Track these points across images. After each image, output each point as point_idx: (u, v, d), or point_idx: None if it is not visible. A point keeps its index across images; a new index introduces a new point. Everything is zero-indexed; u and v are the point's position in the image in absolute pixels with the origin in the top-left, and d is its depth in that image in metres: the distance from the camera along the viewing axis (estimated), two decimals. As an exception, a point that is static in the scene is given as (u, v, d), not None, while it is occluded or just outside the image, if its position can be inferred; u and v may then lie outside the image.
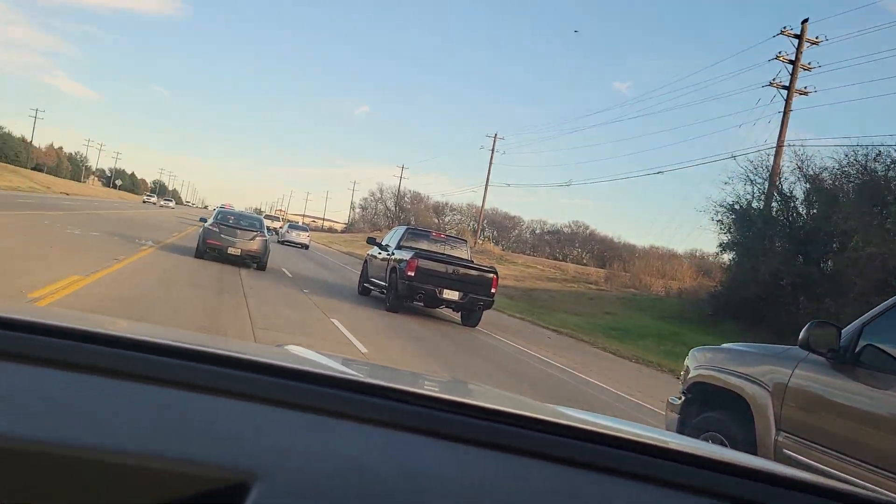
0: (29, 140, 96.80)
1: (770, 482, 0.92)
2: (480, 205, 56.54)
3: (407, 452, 0.81)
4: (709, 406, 4.73)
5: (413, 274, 13.08)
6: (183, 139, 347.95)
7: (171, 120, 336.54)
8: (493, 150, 52.00)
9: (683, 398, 5.04)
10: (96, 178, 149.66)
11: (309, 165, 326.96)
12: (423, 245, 15.19)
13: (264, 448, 0.74)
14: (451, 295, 13.37)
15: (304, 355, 1.37)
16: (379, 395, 0.90)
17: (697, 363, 5.02)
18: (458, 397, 0.99)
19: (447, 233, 17.91)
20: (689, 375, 5.00)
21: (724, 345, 5.19)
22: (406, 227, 16.32)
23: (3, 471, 0.66)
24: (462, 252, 15.83)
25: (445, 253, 15.27)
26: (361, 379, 0.96)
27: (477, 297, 13.55)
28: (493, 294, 13.79)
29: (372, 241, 16.92)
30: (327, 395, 0.86)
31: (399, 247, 14.76)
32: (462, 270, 13.56)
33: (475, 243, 48.24)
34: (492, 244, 54.08)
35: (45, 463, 0.67)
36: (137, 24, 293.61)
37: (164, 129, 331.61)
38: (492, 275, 13.80)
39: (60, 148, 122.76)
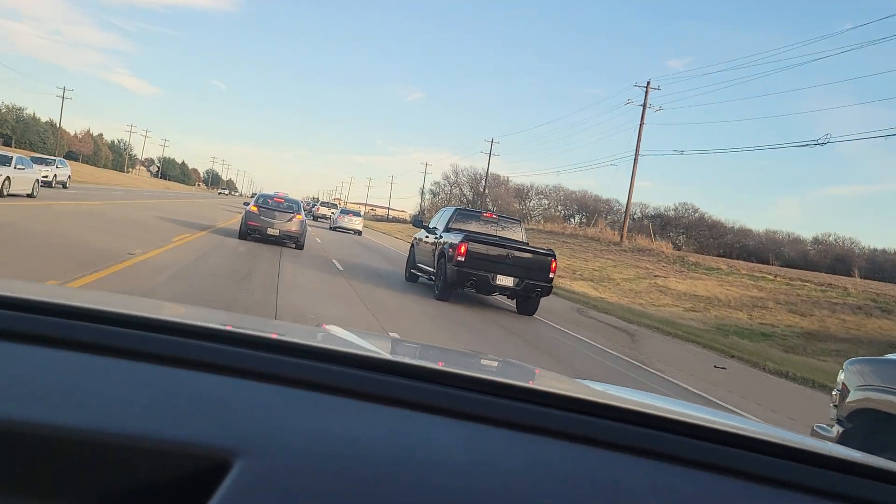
0: (57, 124, 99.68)
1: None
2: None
3: (409, 431, 0.85)
4: (883, 444, 3.85)
5: (463, 259, 13.49)
6: (239, 130, 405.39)
7: (228, 112, 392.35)
8: (644, 104, 39.64)
9: (840, 429, 4.24)
10: (143, 168, 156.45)
11: (364, 154, 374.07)
12: (474, 227, 15.57)
13: (247, 425, 0.79)
14: (506, 281, 13.72)
15: (335, 333, 1.44)
16: (378, 370, 0.94)
17: (862, 382, 4.14)
18: (466, 371, 1.02)
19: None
20: (850, 399, 4.19)
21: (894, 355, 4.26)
22: (455, 207, 16.74)
23: None
24: (516, 234, 16.12)
25: (498, 235, 15.59)
26: (357, 353, 1.00)
27: (533, 282, 13.84)
28: (552, 279, 14.06)
29: (418, 224, 17.56)
30: (319, 370, 0.91)
31: (447, 229, 15.20)
32: (517, 254, 13.88)
33: (621, 239, 40.96)
34: (656, 239, 42.45)
35: (18, 443, 0.71)
36: (195, 19, 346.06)
37: (221, 121, 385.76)
38: (549, 258, 14.05)
39: (100, 135, 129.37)
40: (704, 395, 9.28)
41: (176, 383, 0.85)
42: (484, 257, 13.67)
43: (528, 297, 14.29)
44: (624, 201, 42.51)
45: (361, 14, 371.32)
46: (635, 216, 72.97)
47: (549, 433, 0.89)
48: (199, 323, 0.98)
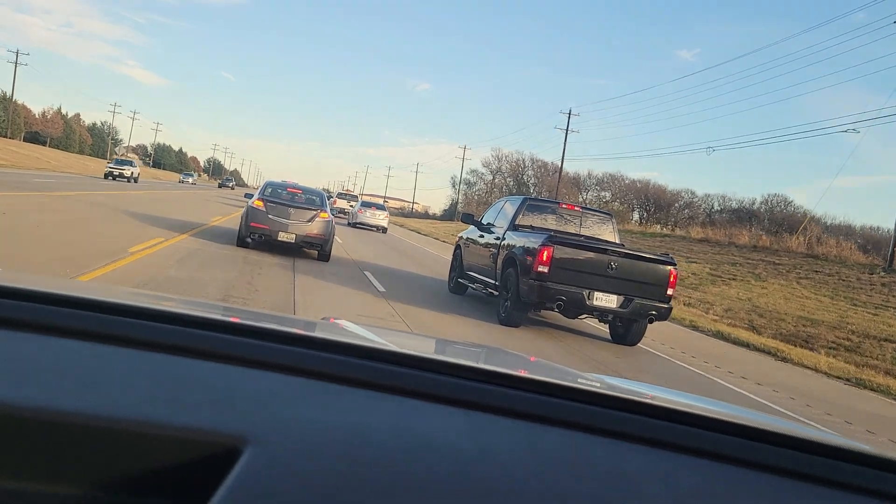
0: (11, 99, 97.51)
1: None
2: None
3: (413, 419, 0.95)
4: None
5: (547, 269, 10.88)
6: (247, 121, 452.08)
7: (236, 103, 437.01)
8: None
9: None
10: (133, 154, 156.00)
11: (374, 146, 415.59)
12: (551, 223, 13.26)
13: (256, 413, 0.89)
14: (607, 301, 11.10)
15: (342, 326, 1.68)
16: (383, 361, 1.06)
17: None
18: (468, 361, 1.15)
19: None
20: None
21: None
22: (523, 197, 14.38)
23: None
24: (608, 232, 13.74)
25: (584, 235, 13.24)
26: (363, 344, 1.13)
27: (646, 301, 11.23)
28: (671, 297, 11.46)
29: (468, 220, 15.21)
30: (326, 360, 1.03)
31: (514, 227, 12.84)
32: (620, 262, 11.22)
33: (890, 262, 28.94)
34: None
35: (30, 429, 0.81)
36: (204, 11, 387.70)
37: (229, 113, 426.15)
38: (668, 266, 11.44)
39: (76, 116, 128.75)
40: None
41: (187, 372, 0.96)
42: (576, 266, 11.08)
43: (634, 321, 11.78)
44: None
45: (368, 5, 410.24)
46: (714, 209, 69.95)
47: (549, 421, 1.00)
48: (208, 314, 1.13)
